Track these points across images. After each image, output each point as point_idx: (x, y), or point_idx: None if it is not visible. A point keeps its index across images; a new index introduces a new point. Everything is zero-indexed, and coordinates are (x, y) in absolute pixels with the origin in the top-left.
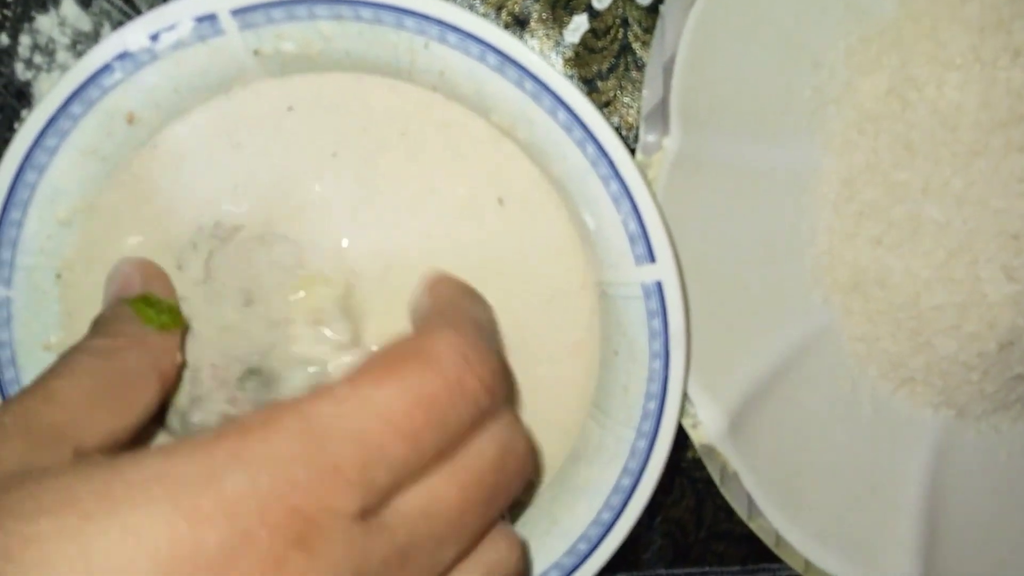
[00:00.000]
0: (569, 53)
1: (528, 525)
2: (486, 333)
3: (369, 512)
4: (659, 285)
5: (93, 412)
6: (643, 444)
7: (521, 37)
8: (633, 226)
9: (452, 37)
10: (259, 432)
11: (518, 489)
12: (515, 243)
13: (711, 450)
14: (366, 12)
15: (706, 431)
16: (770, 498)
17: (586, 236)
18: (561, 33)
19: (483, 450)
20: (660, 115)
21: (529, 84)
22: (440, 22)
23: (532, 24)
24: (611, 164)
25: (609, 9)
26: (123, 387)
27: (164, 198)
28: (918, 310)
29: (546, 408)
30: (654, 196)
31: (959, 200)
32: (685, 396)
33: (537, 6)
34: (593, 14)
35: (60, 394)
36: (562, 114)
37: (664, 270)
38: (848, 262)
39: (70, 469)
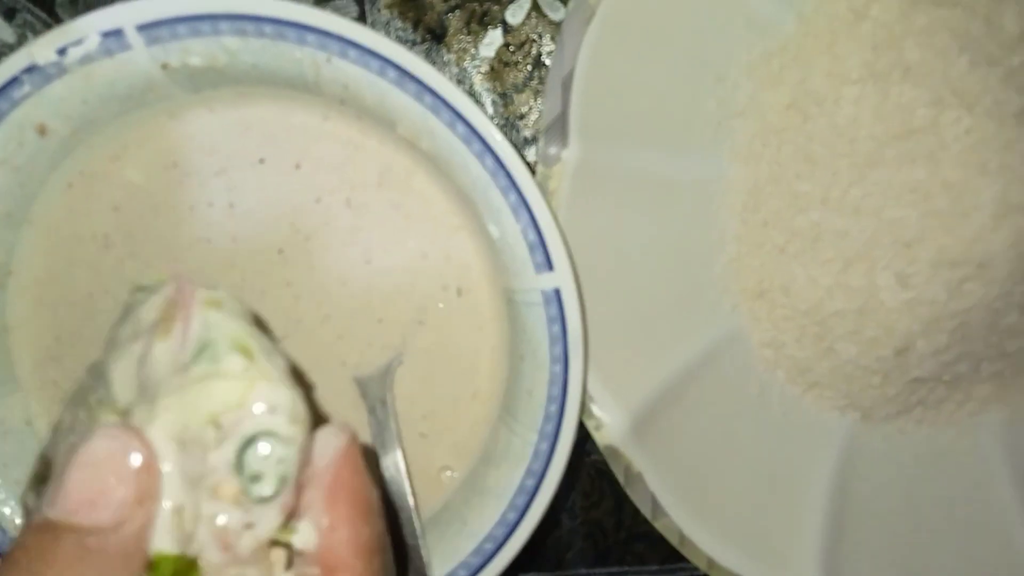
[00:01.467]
0: (484, 67)
1: (440, 526)
2: None
3: None
4: (557, 292)
5: None
6: (545, 446)
7: (437, 51)
8: (532, 235)
9: (352, 52)
10: None
11: None
12: (428, 259)
13: (615, 451)
14: (268, 28)
15: (609, 432)
16: (674, 498)
17: (491, 245)
18: (476, 47)
19: None
20: (560, 128)
21: (428, 98)
22: (340, 38)
23: (448, 38)
24: (508, 176)
25: (523, 24)
26: None
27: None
28: (820, 316)
29: (460, 413)
30: (551, 207)
31: (856, 210)
32: (588, 398)
33: (453, 20)
34: (507, 29)
35: None
36: (460, 127)
37: (561, 278)
38: (755, 269)
39: None
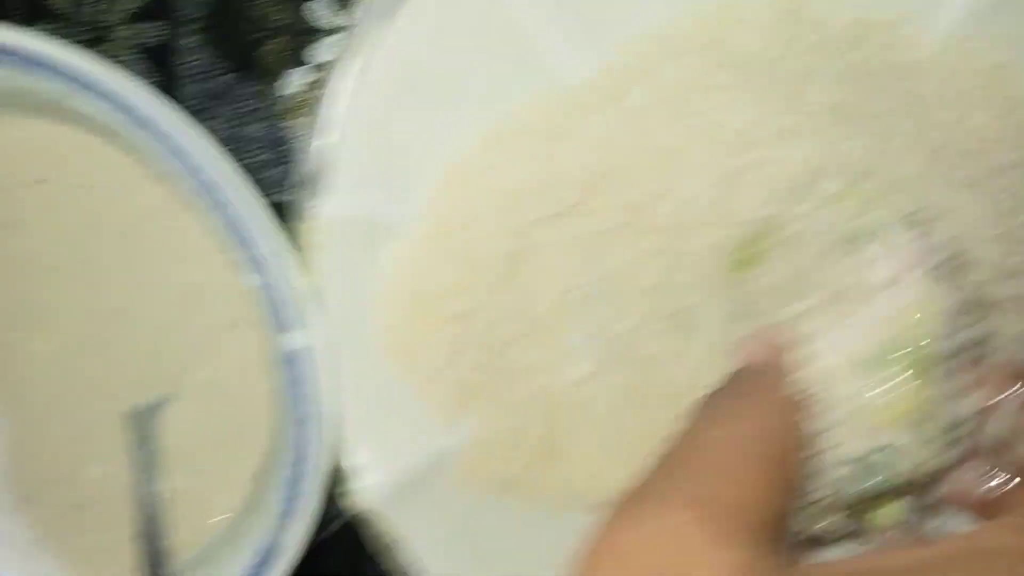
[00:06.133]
0: (285, 104)
1: (198, 569)
2: None
3: None
4: (307, 351)
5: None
6: (296, 505)
7: (241, 83)
8: (285, 290)
9: (89, 93)
10: None
11: None
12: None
13: (371, 516)
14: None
15: (365, 497)
16: (438, 566)
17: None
18: (283, 82)
19: None
20: (317, 178)
21: (172, 142)
22: (74, 78)
23: (257, 69)
24: (254, 228)
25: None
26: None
27: None
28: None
29: (229, 457)
30: (303, 262)
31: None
32: (345, 460)
33: (263, 52)
34: (319, 67)
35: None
36: (204, 175)
37: (313, 335)
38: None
39: None
